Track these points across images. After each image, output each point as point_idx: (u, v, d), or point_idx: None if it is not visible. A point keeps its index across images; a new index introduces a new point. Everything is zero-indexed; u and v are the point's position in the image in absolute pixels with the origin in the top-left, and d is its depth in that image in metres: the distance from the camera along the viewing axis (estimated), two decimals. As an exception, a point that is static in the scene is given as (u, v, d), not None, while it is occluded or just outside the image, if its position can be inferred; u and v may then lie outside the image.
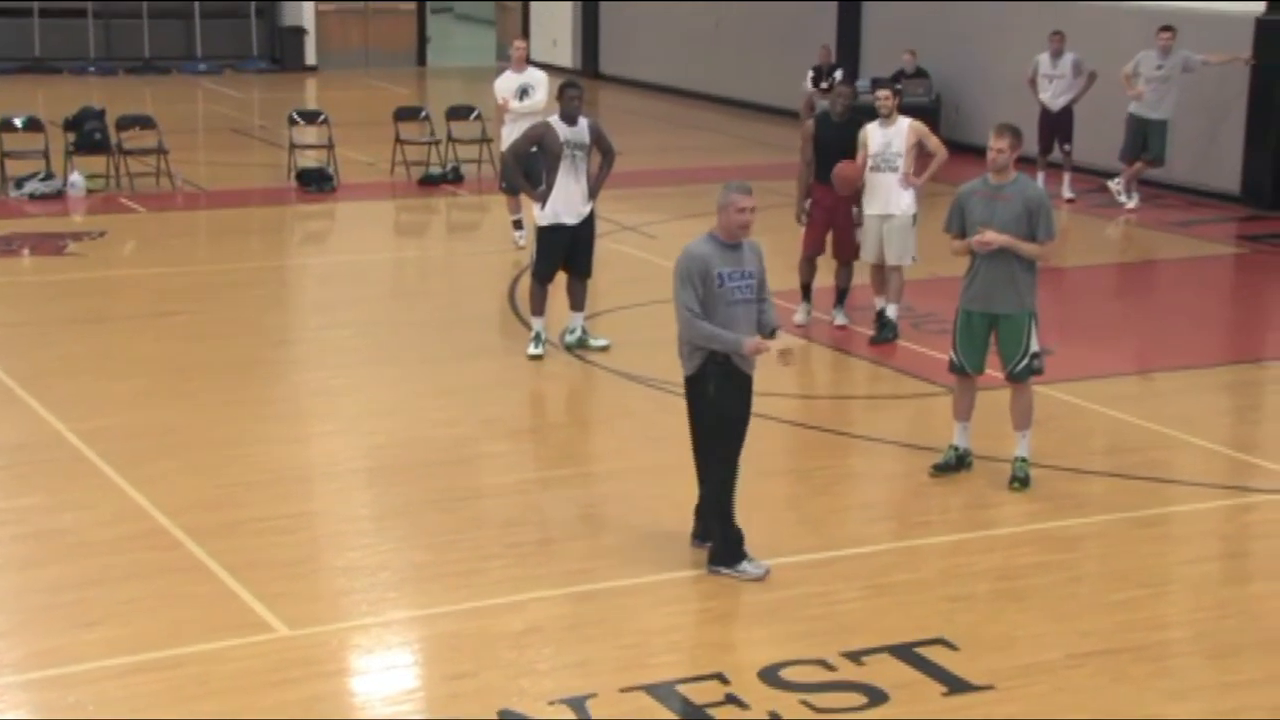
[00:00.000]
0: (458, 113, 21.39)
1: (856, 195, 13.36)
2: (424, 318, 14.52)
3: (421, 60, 34.56)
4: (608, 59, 32.15)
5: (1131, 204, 19.62)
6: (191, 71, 31.80)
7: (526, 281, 13.52)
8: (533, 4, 34.45)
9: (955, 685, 7.65)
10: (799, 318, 13.80)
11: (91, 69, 31.19)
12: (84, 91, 26.77)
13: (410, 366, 12.84)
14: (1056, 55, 19.79)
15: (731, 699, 7.47)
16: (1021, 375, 10.21)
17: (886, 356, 13.23)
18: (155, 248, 17.27)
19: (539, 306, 12.98)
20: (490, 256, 17.01)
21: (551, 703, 7.39)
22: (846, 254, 13.77)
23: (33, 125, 20.01)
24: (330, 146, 20.62)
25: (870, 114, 13.43)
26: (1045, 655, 7.98)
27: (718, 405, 8.69)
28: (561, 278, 13.10)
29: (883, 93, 13.35)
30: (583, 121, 12.82)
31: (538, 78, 16.41)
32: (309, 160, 20.74)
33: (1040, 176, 18.79)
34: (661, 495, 9.79)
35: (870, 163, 13.20)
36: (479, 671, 7.71)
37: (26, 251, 16.53)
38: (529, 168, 13.43)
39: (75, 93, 26.05)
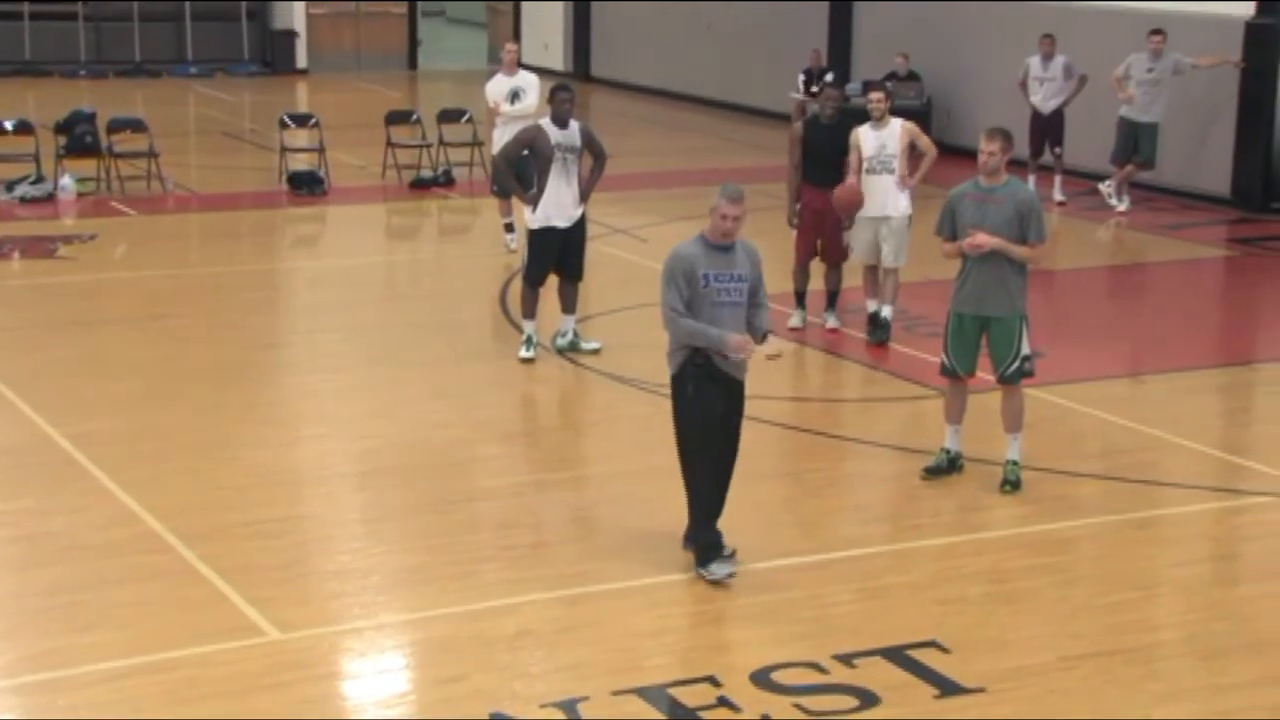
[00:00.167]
0: (449, 116, 21.42)
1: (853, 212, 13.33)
2: (415, 321, 14.51)
3: (413, 63, 34.50)
4: (599, 62, 32.14)
5: (1122, 207, 19.65)
6: (182, 74, 31.73)
7: (518, 285, 13.52)
8: (524, 7, 34.46)
9: (947, 688, 7.66)
10: (794, 322, 13.81)
11: (82, 71, 31.11)
12: (75, 94, 26.71)
13: (402, 369, 12.83)
14: (1047, 58, 19.82)
15: (724, 702, 7.47)
16: (1013, 378, 10.22)
17: (879, 360, 13.25)
18: (146, 251, 17.23)
19: (530, 309, 12.98)
20: (482, 260, 17.01)
21: (544, 705, 7.39)
22: (836, 257, 13.77)
23: (23, 128, 19.96)
24: (321, 149, 20.60)
25: (860, 117, 13.43)
26: (1037, 658, 7.99)
27: (696, 406, 8.67)
28: (553, 281, 13.11)
29: (876, 95, 13.31)
30: (574, 124, 12.83)
31: (529, 81, 16.42)
32: (300, 163, 20.68)
33: (1031, 179, 18.80)
34: (654, 498, 9.78)
35: (865, 165, 13.20)
36: (471, 674, 7.71)
37: (17, 255, 16.48)
38: (520, 171, 13.43)
39: (66, 95, 25.98)
